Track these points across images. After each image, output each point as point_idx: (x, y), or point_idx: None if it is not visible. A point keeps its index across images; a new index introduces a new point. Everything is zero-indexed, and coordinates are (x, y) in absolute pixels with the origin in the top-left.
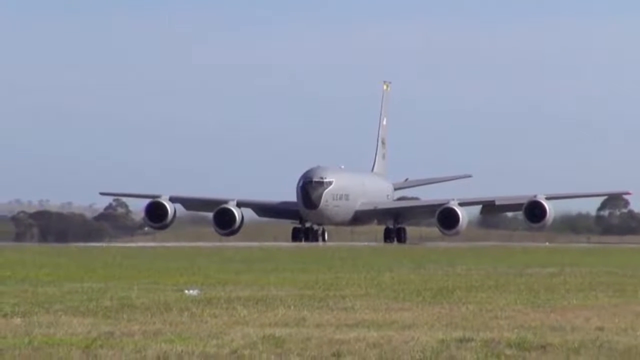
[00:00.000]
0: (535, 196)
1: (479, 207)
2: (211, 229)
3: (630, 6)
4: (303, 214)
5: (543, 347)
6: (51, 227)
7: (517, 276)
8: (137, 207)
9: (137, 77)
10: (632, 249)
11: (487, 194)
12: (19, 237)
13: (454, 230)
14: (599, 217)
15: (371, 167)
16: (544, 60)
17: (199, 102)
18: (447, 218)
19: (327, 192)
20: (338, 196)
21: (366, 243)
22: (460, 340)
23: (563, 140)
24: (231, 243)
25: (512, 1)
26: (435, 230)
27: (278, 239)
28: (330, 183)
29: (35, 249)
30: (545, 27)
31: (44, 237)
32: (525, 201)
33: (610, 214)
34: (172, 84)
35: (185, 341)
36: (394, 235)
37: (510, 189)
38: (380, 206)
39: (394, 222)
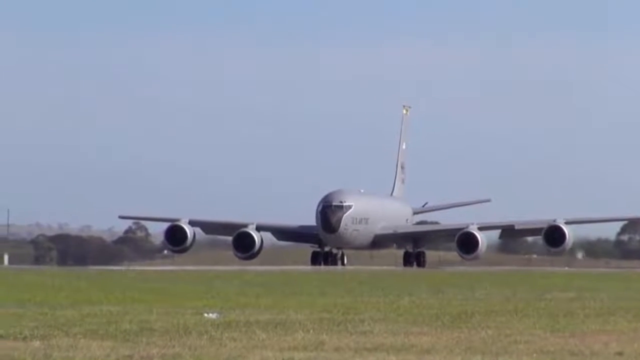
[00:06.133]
0: (554, 220)
1: (499, 231)
2: (230, 253)
3: None
4: (322, 237)
5: None
6: (70, 250)
7: (536, 301)
8: (157, 231)
9: (160, 102)
10: None
11: (506, 219)
12: (38, 260)
13: (473, 255)
14: (618, 242)
15: (390, 191)
16: (568, 85)
17: (220, 123)
18: (466, 242)
19: (346, 216)
20: (357, 220)
21: (385, 267)
22: None
23: (582, 165)
24: (250, 267)
25: (535, 25)
26: (454, 254)
27: (297, 262)
28: (349, 207)
29: (54, 272)
30: (574, 51)
31: (63, 260)
32: (544, 225)
33: (629, 238)
34: (189, 106)
35: None
36: (413, 259)
37: (529, 213)
38: (400, 230)
39: (414, 246)
